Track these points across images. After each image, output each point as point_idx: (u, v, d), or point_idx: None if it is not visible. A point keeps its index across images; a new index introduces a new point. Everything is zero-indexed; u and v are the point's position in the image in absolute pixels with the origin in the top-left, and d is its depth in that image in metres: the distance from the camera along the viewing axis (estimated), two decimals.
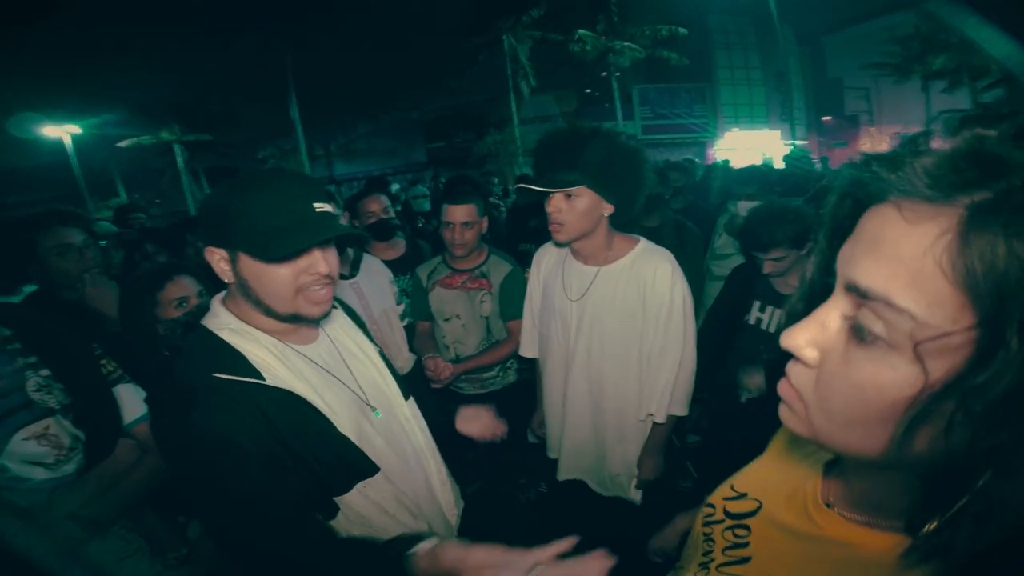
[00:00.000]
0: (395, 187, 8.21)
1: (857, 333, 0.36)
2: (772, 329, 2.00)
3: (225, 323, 0.89)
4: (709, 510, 0.67)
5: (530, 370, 2.42)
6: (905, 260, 0.32)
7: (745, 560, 0.56)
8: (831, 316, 0.38)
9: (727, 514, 0.63)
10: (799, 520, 0.52)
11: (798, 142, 14.41)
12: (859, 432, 0.37)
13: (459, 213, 2.02)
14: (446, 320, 2.15)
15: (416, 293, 2.25)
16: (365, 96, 21.03)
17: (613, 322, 1.54)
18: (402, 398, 1.10)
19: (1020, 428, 0.29)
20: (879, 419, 0.35)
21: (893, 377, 0.34)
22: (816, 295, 0.43)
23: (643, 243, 1.57)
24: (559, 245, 1.60)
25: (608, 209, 1.45)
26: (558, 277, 1.64)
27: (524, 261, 2.22)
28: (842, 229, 0.40)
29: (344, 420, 0.92)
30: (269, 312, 0.89)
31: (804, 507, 0.52)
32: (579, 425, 1.67)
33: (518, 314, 2.11)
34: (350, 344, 1.06)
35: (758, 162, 7.60)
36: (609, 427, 1.64)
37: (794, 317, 0.42)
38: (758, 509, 0.59)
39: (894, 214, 0.34)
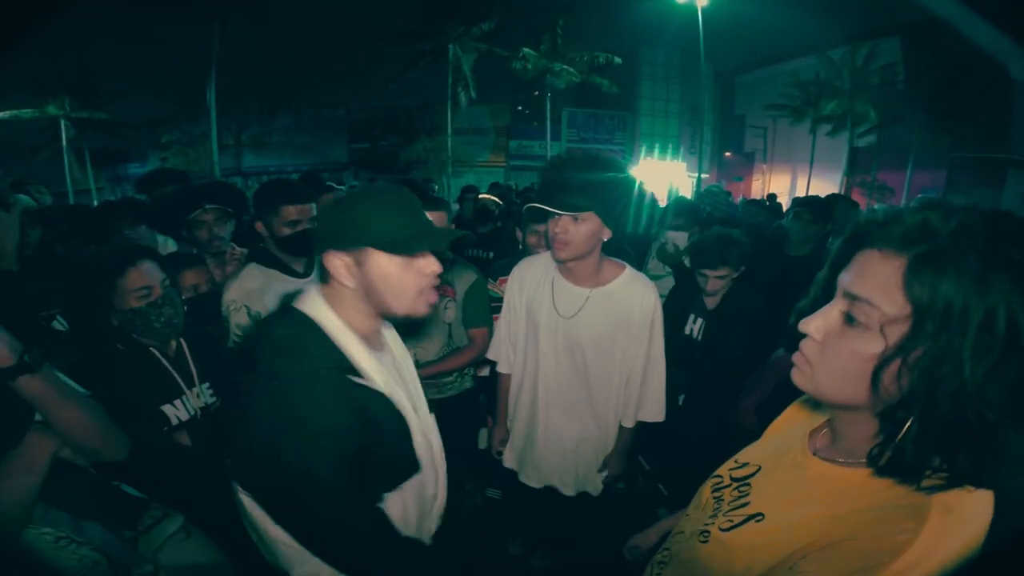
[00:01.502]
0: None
1: (848, 320, 0.59)
2: (699, 337, 2.28)
3: (328, 319, 0.94)
4: (717, 480, 0.85)
5: (482, 376, 2.50)
6: (880, 280, 0.56)
7: (746, 504, 0.73)
8: (833, 311, 0.61)
9: (733, 479, 0.81)
10: (789, 469, 0.72)
11: (703, 175, 15.78)
12: (847, 382, 0.59)
13: (432, 220, 2.04)
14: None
15: None
16: (291, 87, 19.97)
17: (599, 339, 1.64)
18: (428, 407, 1.16)
19: (939, 375, 0.51)
20: (859, 372, 0.57)
21: (868, 345, 0.56)
22: (819, 300, 0.65)
23: (629, 269, 1.69)
24: (558, 262, 1.65)
25: (607, 234, 1.55)
26: (546, 295, 1.70)
27: (478, 266, 2.32)
28: (840, 263, 0.64)
29: (409, 417, 1.00)
30: (385, 312, 0.97)
31: (794, 459, 0.73)
32: (554, 435, 1.75)
33: (481, 322, 2.19)
34: (399, 355, 1.14)
35: (665, 191, 8.33)
36: (585, 436, 1.74)
37: (802, 315, 0.65)
38: (758, 471, 0.78)
39: (877, 255, 0.57)
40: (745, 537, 0.69)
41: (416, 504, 1.04)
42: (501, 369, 1.93)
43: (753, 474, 0.78)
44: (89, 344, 1.30)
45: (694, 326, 2.36)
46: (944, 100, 13.12)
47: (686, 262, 3.04)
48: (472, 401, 2.42)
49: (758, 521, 0.69)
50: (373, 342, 1.03)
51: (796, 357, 0.64)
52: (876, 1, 14.53)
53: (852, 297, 0.58)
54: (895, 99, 14.18)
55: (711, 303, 2.30)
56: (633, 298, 1.63)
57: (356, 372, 0.92)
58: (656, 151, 20.94)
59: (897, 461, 0.56)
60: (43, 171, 17.40)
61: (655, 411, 1.73)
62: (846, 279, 0.60)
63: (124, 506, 1.21)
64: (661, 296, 2.59)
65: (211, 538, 1.33)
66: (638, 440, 1.83)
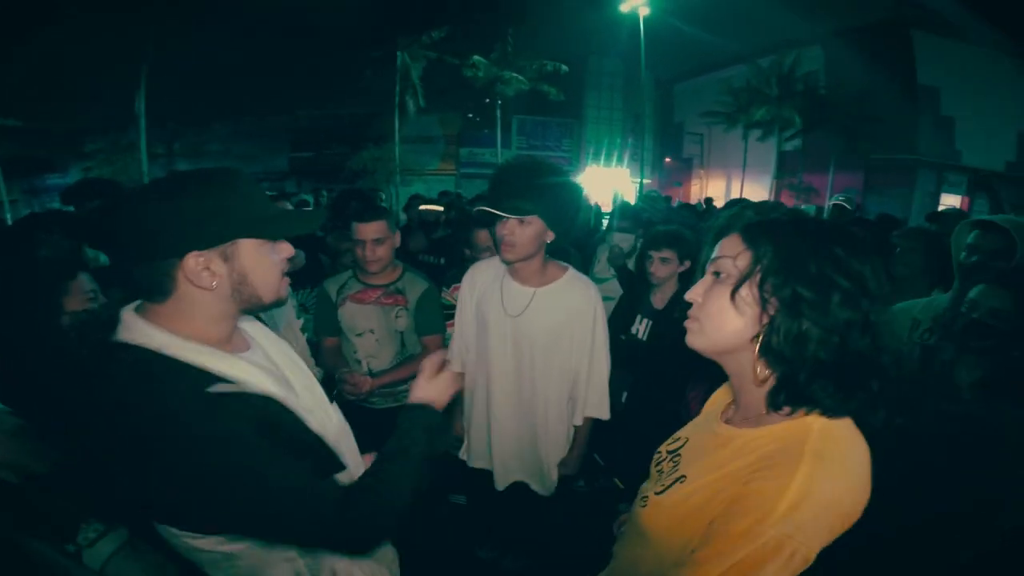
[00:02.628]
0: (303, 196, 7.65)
1: (716, 276, 0.78)
2: (644, 337, 2.39)
3: (163, 342, 0.80)
4: (657, 455, 0.98)
5: None
6: (730, 245, 0.77)
7: (676, 470, 0.85)
8: (706, 277, 0.80)
9: (668, 452, 0.94)
10: (707, 437, 0.86)
11: (645, 180, 16.31)
12: (724, 321, 0.75)
13: (370, 230, 2.03)
14: (359, 335, 2.14)
15: (323, 308, 2.19)
16: (230, 94, 19.09)
17: (546, 337, 1.74)
18: (328, 401, 1.09)
19: (771, 297, 0.70)
20: (726, 314, 0.74)
21: (726, 292, 0.74)
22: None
23: (571, 271, 1.80)
24: (506, 263, 1.75)
25: (550, 236, 1.65)
26: (495, 295, 1.78)
27: (427, 271, 2.34)
28: (707, 258, 0.82)
29: (307, 415, 0.92)
30: (253, 305, 0.89)
31: (710, 428, 0.86)
32: (506, 433, 1.82)
33: (434, 329, 2.20)
34: (273, 351, 1.04)
35: (610, 196, 8.69)
36: (537, 433, 1.81)
37: (691, 287, 0.82)
38: (686, 442, 0.92)
39: (727, 237, 0.78)
40: (671, 497, 0.80)
41: None
42: (454, 368, 1.96)
43: (683, 445, 0.91)
44: (32, 349, 1.20)
45: (640, 326, 2.47)
46: (860, 105, 14.19)
47: (629, 265, 3.18)
48: None
49: (681, 482, 0.80)
50: (234, 345, 0.94)
51: (687, 322, 0.81)
52: (802, 11, 15.55)
53: (713, 260, 0.79)
54: (817, 105, 15.18)
55: (658, 302, 2.41)
56: (575, 296, 1.75)
57: (227, 381, 0.83)
58: (602, 158, 21.49)
59: (774, 390, 0.72)
60: None
61: (599, 407, 1.82)
62: (717, 250, 0.80)
63: (62, 519, 1.15)
64: (607, 299, 2.72)
65: (159, 551, 1.27)
66: (591, 439, 1.89)
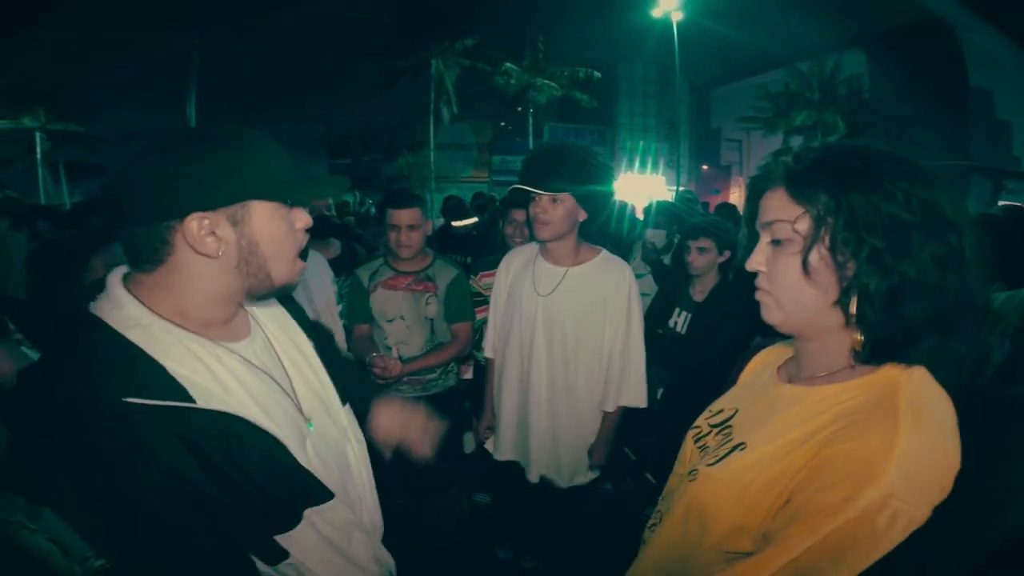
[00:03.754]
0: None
1: (775, 243, 0.69)
2: (684, 330, 2.31)
3: (134, 317, 0.68)
4: (696, 431, 0.88)
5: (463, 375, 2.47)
6: (777, 204, 0.68)
7: (730, 440, 0.76)
8: (763, 244, 0.71)
9: (712, 426, 0.84)
10: (763, 401, 0.77)
11: (681, 188, 16.05)
12: (802, 293, 0.67)
13: (405, 216, 2.06)
14: (389, 321, 2.13)
15: (355, 294, 2.20)
16: (270, 102, 19.88)
17: (577, 318, 1.71)
18: (340, 403, 0.94)
19: (849, 252, 0.62)
20: (801, 286, 0.66)
21: (795, 262, 0.66)
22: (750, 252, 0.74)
23: (604, 252, 1.79)
24: (540, 242, 1.77)
25: (583, 216, 1.67)
26: (528, 276, 1.79)
27: None
28: (752, 218, 0.74)
29: (287, 432, 0.76)
30: (260, 286, 0.76)
31: (766, 392, 0.78)
32: (538, 419, 1.77)
33: (463, 316, 2.19)
34: (285, 340, 0.90)
35: (644, 205, 8.62)
36: (567, 418, 1.76)
37: (746, 254, 0.73)
38: (735, 412, 0.82)
39: (769, 194, 0.70)
40: (729, 467, 0.71)
41: (348, 535, 0.83)
42: (487, 353, 1.97)
43: (731, 416, 0.82)
44: (52, 321, 1.22)
45: (678, 319, 2.39)
46: (905, 109, 13.64)
47: (665, 260, 3.10)
48: (457, 401, 2.39)
49: (741, 450, 0.71)
50: (226, 331, 0.78)
51: (758, 295, 0.72)
52: (841, 14, 15.12)
53: (767, 225, 0.70)
54: (861, 109, 14.68)
55: (698, 294, 2.33)
56: (609, 277, 1.73)
57: (182, 392, 0.66)
58: (636, 165, 21.29)
59: (866, 349, 0.64)
60: (16, 184, 16.78)
61: (636, 395, 1.76)
62: (760, 220, 0.71)
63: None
64: (643, 295, 2.66)
65: None
66: (623, 433, 1.84)
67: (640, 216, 4.24)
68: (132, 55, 16.17)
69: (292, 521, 0.74)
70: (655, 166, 21.77)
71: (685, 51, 13.59)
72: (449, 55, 17.23)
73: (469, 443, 2.62)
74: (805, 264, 0.65)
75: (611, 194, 1.71)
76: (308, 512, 0.76)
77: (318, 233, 2.36)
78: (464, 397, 2.52)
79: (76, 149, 17.69)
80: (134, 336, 0.67)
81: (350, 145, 21.97)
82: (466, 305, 2.22)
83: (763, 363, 0.90)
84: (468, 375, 2.60)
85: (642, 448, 2.67)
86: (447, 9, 17.44)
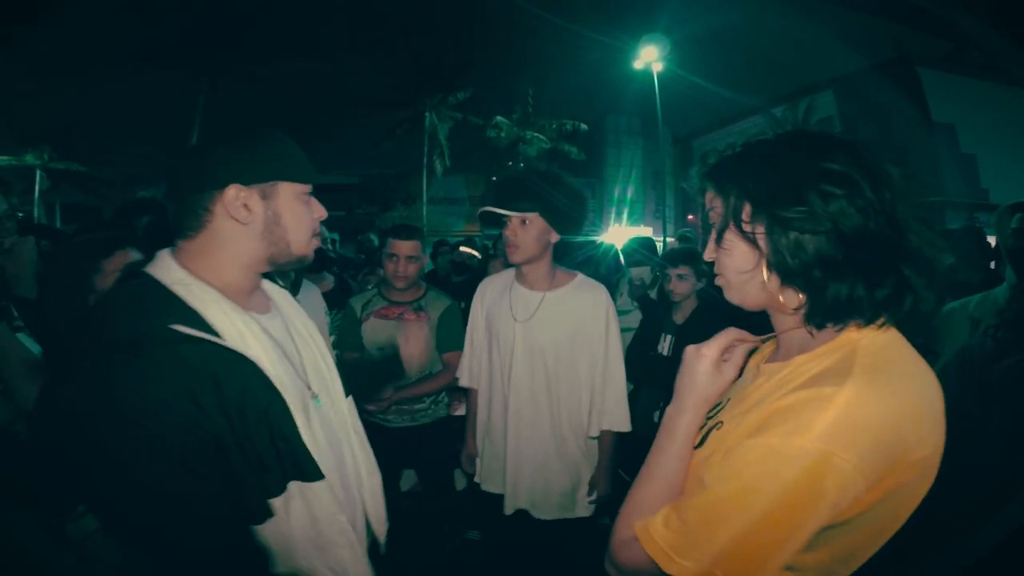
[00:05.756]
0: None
1: (718, 238, 0.75)
2: (669, 353, 2.37)
3: (177, 277, 0.81)
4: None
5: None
6: (711, 197, 0.76)
7: (716, 419, 0.78)
8: (712, 236, 0.77)
9: (707, 419, 0.84)
10: (748, 384, 0.79)
11: (668, 239, 16.24)
12: (740, 276, 0.73)
13: (405, 247, 2.14)
14: (380, 350, 2.18)
15: (347, 324, 2.25)
16: None
17: (556, 342, 1.69)
18: (343, 392, 1.04)
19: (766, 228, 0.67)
20: (735, 262, 0.73)
21: (729, 234, 0.73)
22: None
23: (581, 276, 1.79)
24: (511, 265, 1.77)
25: (555, 237, 1.67)
26: (505, 302, 1.77)
27: None
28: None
29: (293, 401, 0.83)
30: (280, 254, 0.89)
31: (752, 376, 0.80)
32: (523, 445, 1.72)
33: (455, 346, 2.19)
34: (300, 325, 1.02)
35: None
36: (553, 444, 1.72)
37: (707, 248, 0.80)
38: (727, 401, 0.83)
39: (708, 185, 0.77)
40: (709, 445, 0.73)
41: (332, 518, 0.83)
42: (462, 383, 1.93)
43: (722, 405, 0.84)
44: (60, 323, 1.24)
45: (664, 344, 2.45)
46: (876, 148, 14.11)
47: (652, 294, 3.20)
48: (447, 436, 2.36)
49: (718, 428, 0.74)
50: (251, 302, 0.91)
51: (717, 281, 0.79)
52: (808, 57, 15.94)
53: (707, 211, 0.78)
54: None
55: (679, 318, 2.41)
56: (586, 300, 1.72)
57: (211, 330, 0.78)
58: (624, 217, 21.57)
59: (809, 311, 0.68)
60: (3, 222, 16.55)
61: (618, 418, 1.71)
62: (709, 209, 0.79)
63: (60, 488, 1.13)
64: (630, 329, 2.71)
65: None
66: (618, 458, 1.79)
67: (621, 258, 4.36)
68: (139, 98, 16.54)
69: (277, 488, 0.78)
70: (642, 216, 22.11)
71: (667, 102, 14.13)
72: (442, 108, 17.80)
73: (460, 481, 2.58)
74: (719, 238, 0.73)
75: (583, 213, 1.71)
76: (293, 485, 0.79)
77: (313, 267, 2.44)
78: (457, 436, 2.50)
79: (74, 191, 17.53)
80: (178, 290, 0.80)
81: (347, 197, 22.42)
82: (458, 335, 2.24)
83: (756, 357, 0.93)
84: (460, 411, 2.58)
85: (638, 468, 2.64)
86: (441, 63, 18.25)
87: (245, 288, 0.90)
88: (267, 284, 1.01)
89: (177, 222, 0.86)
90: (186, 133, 15.96)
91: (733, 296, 0.77)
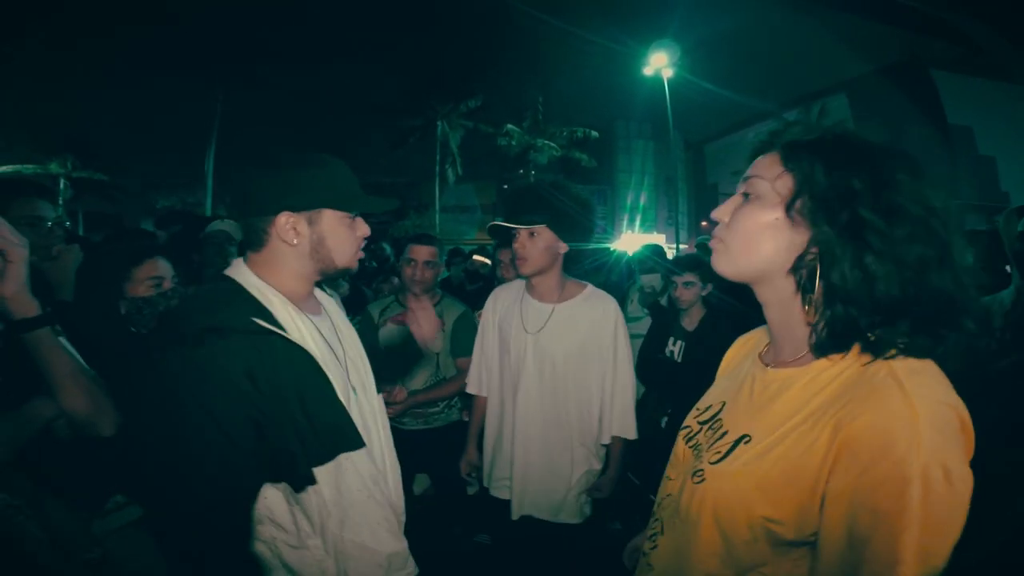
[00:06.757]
0: None
1: (746, 198, 0.72)
2: (679, 358, 2.39)
3: (252, 282, 0.98)
4: (686, 431, 0.87)
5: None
6: (765, 163, 0.72)
7: (725, 434, 0.75)
8: (735, 197, 0.75)
9: (701, 423, 0.84)
10: (752, 389, 0.76)
11: (682, 246, 16.14)
12: (754, 244, 0.70)
13: (423, 252, 2.21)
14: (393, 340, 2.23)
15: (365, 328, 2.31)
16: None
17: (566, 354, 1.71)
18: (375, 390, 1.18)
19: (823, 227, 0.63)
20: (760, 233, 0.69)
21: (762, 212, 0.69)
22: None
23: (591, 287, 1.81)
24: (521, 277, 1.79)
25: (563, 248, 1.69)
26: (515, 313, 1.80)
27: None
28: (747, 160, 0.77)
29: (338, 387, 0.98)
30: (327, 268, 1.03)
31: (752, 379, 0.77)
32: (531, 455, 1.74)
33: (469, 352, 2.19)
34: (345, 328, 1.17)
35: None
36: (561, 452, 1.73)
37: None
38: (723, 406, 0.81)
39: (761, 156, 0.74)
40: (740, 460, 0.68)
41: (373, 484, 0.98)
42: (470, 389, 1.96)
43: (720, 411, 0.80)
44: (93, 325, 1.31)
45: (673, 347, 2.48)
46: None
47: (662, 301, 3.23)
48: (460, 440, 2.38)
49: (746, 443, 0.69)
50: (307, 305, 1.06)
51: (712, 243, 0.76)
52: (821, 59, 15.75)
53: (747, 179, 0.73)
54: None
55: (689, 324, 2.44)
56: (596, 312, 1.74)
57: (279, 326, 0.93)
58: (637, 224, 21.38)
59: (833, 331, 0.63)
60: None
61: (625, 426, 1.74)
62: (743, 176, 0.76)
63: (93, 485, 1.20)
64: (640, 336, 2.73)
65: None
66: (626, 461, 1.80)
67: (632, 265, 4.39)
68: (156, 107, 16.89)
69: (327, 456, 0.93)
70: (654, 222, 21.89)
71: (677, 108, 13.96)
72: (454, 116, 17.91)
73: (472, 485, 2.61)
74: (789, 210, 0.66)
75: (590, 222, 1.73)
76: (341, 456, 0.94)
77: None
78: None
79: (96, 199, 17.92)
80: (254, 293, 0.97)
81: None
82: (472, 341, 2.30)
83: (740, 354, 0.91)
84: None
85: (646, 470, 2.66)
86: (452, 71, 18.48)
87: (302, 294, 1.05)
88: (317, 290, 1.16)
89: (246, 237, 1.02)
90: (203, 141, 16.27)
91: (723, 264, 0.74)
